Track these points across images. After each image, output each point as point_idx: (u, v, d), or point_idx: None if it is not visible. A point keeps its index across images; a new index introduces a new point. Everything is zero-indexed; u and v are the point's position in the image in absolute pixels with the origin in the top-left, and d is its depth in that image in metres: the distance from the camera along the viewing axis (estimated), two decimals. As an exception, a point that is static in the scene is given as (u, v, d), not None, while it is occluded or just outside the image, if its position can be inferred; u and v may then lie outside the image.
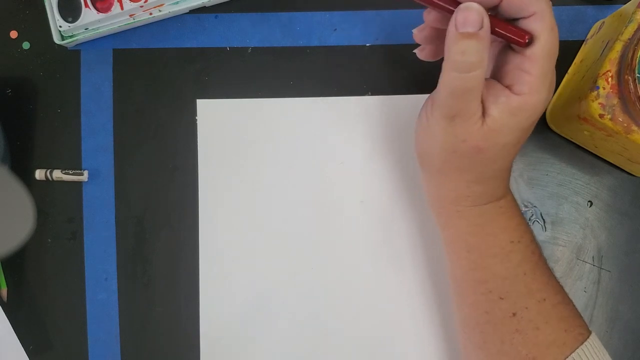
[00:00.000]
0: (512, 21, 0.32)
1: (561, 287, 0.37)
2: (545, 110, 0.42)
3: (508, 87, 0.32)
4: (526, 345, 0.35)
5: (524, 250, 0.37)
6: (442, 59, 0.32)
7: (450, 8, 0.32)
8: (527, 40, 0.31)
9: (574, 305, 0.37)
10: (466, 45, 0.30)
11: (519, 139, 0.34)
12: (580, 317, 0.37)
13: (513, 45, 0.32)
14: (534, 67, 0.31)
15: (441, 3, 0.32)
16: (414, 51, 0.37)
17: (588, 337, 0.35)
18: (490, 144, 0.33)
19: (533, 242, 0.38)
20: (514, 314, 0.36)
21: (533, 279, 0.36)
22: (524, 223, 0.38)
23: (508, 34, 0.31)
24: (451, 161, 0.35)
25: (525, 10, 0.31)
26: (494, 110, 0.32)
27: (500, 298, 0.36)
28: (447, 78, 0.32)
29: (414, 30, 0.36)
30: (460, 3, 0.31)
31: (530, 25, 0.31)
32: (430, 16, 0.34)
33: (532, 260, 0.37)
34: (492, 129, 0.32)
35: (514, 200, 0.38)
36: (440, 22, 0.34)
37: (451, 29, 0.31)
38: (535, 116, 0.33)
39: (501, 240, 0.37)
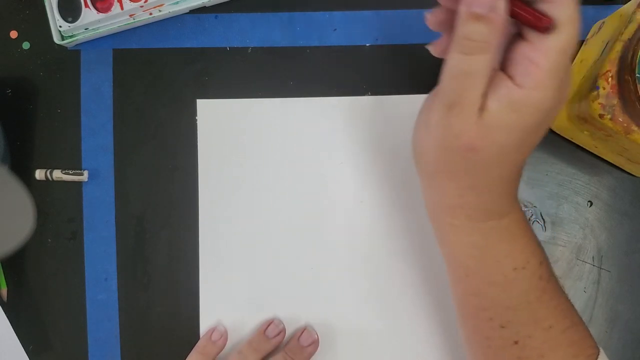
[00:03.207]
0: (531, 3, 0.29)
1: (571, 308, 0.35)
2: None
3: (511, 77, 0.29)
4: None
5: (530, 277, 0.34)
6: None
7: None
8: (547, 25, 0.27)
9: (584, 325, 0.35)
10: (475, 27, 0.28)
11: (520, 142, 0.30)
12: (590, 336, 0.35)
13: (526, 32, 0.29)
14: (544, 59, 0.28)
15: None
16: (426, 46, 0.34)
17: (597, 357, 0.34)
18: (485, 143, 0.29)
19: (542, 264, 0.34)
20: (516, 342, 0.34)
21: (539, 307, 0.34)
22: (532, 244, 0.34)
23: (526, 16, 0.28)
24: (443, 161, 0.32)
25: None
26: (492, 103, 0.29)
27: (502, 327, 0.34)
28: (450, 60, 0.29)
29: (427, 14, 0.32)
30: None
31: (550, 11, 0.28)
32: None
33: (538, 287, 0.34)
34: (489, 124, 0.29)
35: (522, 218, 0.35)
36: (455, 3, 0.30)
37: (462, 6, 0.28)
38: (540, 115, 0.29)
39: (504, 267, 0.33)
